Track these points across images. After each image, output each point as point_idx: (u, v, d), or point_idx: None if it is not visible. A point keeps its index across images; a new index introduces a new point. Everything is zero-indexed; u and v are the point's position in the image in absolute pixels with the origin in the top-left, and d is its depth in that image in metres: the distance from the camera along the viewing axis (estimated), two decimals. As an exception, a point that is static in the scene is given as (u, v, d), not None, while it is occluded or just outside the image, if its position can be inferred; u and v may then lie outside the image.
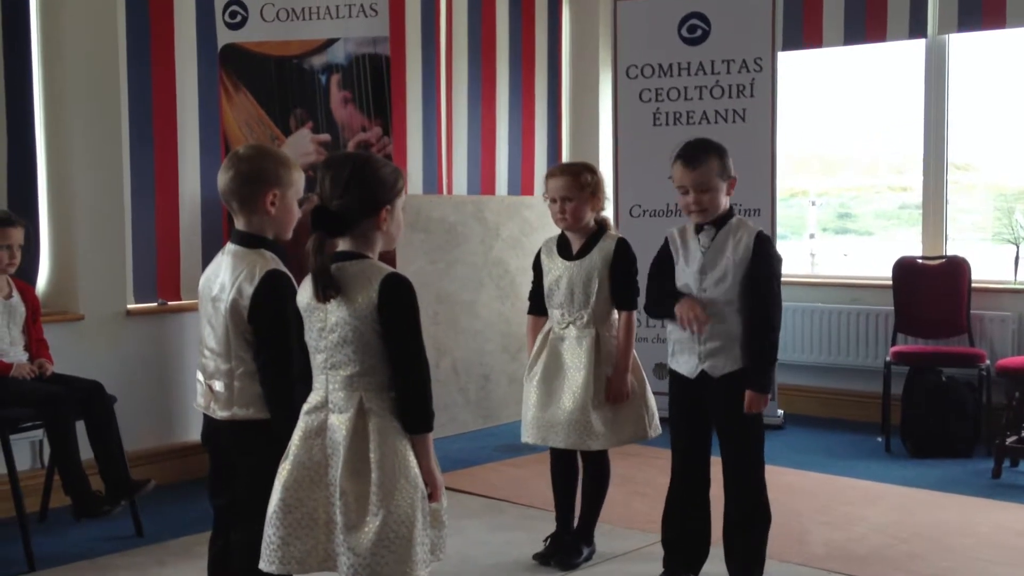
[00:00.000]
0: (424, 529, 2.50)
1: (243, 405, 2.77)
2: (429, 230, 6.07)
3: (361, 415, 2.47)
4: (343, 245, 2.55)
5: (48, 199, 4.90)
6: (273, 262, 2.76)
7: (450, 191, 6.67)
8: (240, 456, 2.84)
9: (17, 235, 4.18)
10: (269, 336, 2.71)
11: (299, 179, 2.84)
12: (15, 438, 4.10)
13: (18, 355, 4.23)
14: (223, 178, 2.80)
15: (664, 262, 3.66)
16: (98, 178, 4.90)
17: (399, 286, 2.48)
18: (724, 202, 3.51)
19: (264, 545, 2.55)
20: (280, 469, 2.56)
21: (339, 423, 2.49)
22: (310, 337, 2.57)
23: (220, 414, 2.81)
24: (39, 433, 4.45)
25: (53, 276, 4.93)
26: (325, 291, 2.47)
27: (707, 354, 3.50)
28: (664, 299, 3.63)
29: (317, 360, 2.56)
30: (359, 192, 2.51)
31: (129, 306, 5.07)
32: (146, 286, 5.19)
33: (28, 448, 4.68)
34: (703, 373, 3.52)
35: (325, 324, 2.51)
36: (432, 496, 2.53)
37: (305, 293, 2.57)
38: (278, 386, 2.71)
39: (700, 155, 3.48)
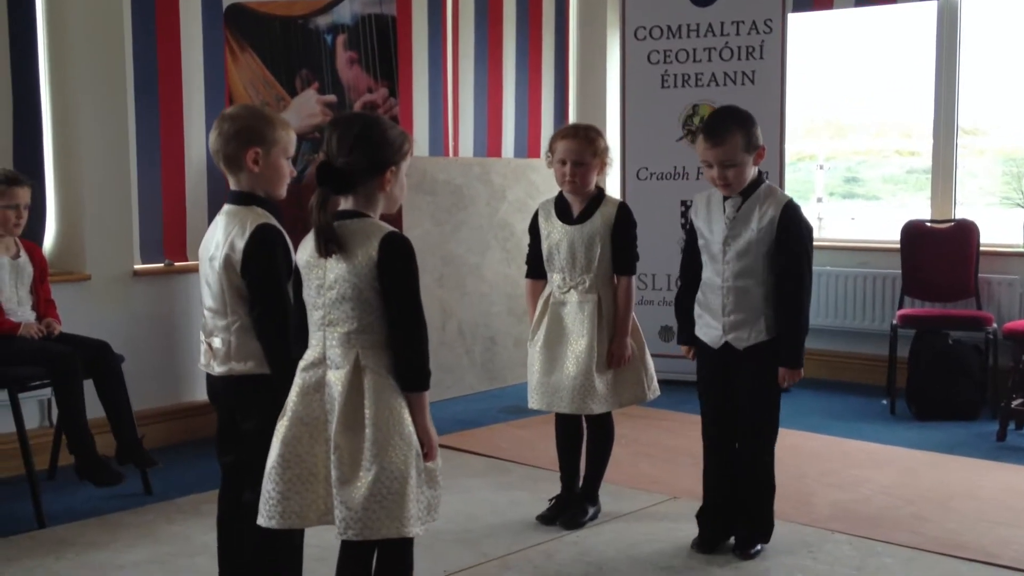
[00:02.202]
0: (419, 487, 2.51)
1: (241, 359, 2.80)
2: (435, 192, 6.05)
3: (357, 372, 2.48)
4: (345, 204, 2.55)
5: (54, 160, 4.89)
6: (264, 216, 2.79)
7: (456, 153, 6.65)
8: (243, 414, 2.86)
9: (24, 195, 4.17)
10: (262, 288, 2.75)
11: (285, 138, 2.86)
12: (24, 397, 4.12)
13: (26, 315, 4.24)
14: (211, 138, 2.87)
15: (691, 235, 3.66)
16: (104, 139, 4.89)
17: (399, 244, 2.49)
18: (751, 173, 3.47)
19: (263, 501, 2.57)
20: (278, 425, 2.58)
21: (336, 379, 2.50)
22: (308, 294, 2.57)
23: (218, 369, 2.85)
24: (47, 392, 4.47)
25: (60, 236, 4.93)
26: (327, 246, 2.48)
27: (731, 326, 3.50)
28: (682, 313, 3.67)
29: (315, 317, 2.56)
30: (365, 151, 2.51)
31: (136, 266, 5.07)
32: (152, 247, 5.19)
33: (36, 407, 4.71)
34: (727, 344, 3.51)
35: (324, 281, 2.52)
36: (427, 455, 2.54)
37: (305, 250, 2.58)
38: (275, 338, 2.74)
39: (723, 131, 3.42)
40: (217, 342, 2.84)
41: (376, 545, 2.56)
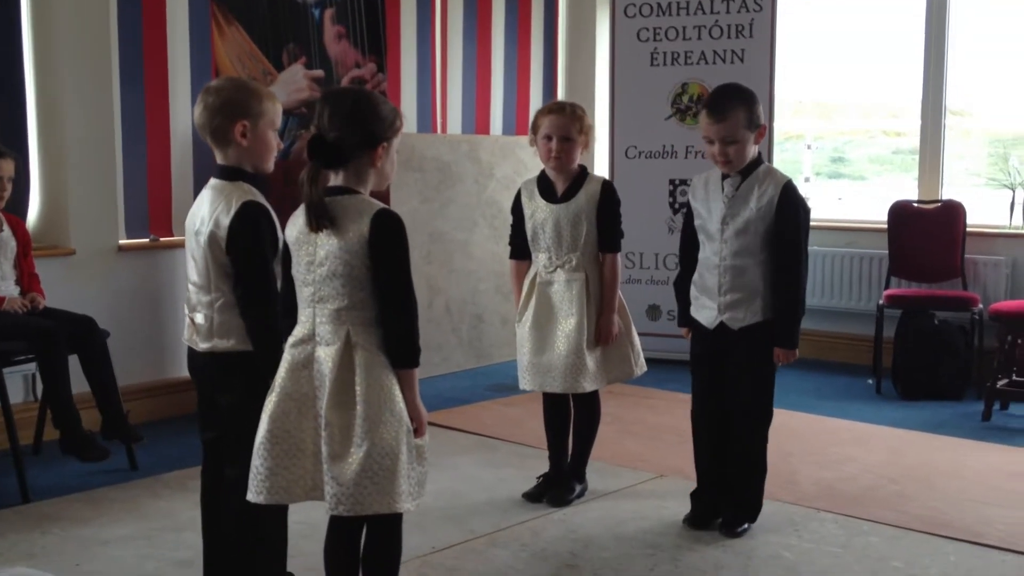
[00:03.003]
0: (410, 463, 2.51)
1: (223, 336, 2.79)
2: (423, 169, 6.03)
3: (348, 348, 2.47)
4: (335, 180, 2.53)
5: (38, 133, 4.85)
6: (250, 193, 2.76)
7: (444, 130, 6.62)
8: (223, 390, 2.85)
9: (8, 167, 4.13)
10: (247, 267, 2.73)
11: (272, 110, 2.83)
12: (8, 371, 4.10)
13: (9, 289, 4.21)
14: (196, 112, 2.82)
15: (688, 216, 3.65)
16: (88, 112, 4.84)
17: (390, 221, 2.48)
18: (752, 151, 3.47)
19: (251, 476, 2.56)
20: (267, 401, 2.57)
21: (325, 356, 2.49)
22: (298, 270, 2.56)
23: (202, 346, 2.83)
24: (31, 367, 4.44)
25: (44, 210, 4.89)
26: (318, 221, 2.46)
27: (727, 306, 3.50)
28: (682, 295, 3.67)
29: (304, 293, 2.55)
30: (357, 126, 2.49)
31: (120, 241, 5.04)
32: (137, 221, 5.15)
33: (21, 381, 4.68)
34: (722, 324, 3.51)
35: (314, 258, 2.50)
36: (417, 431, 2.54)
37: (294, 226, 2.56)
38: (259, 317, 2.72)
39: (726, 106, 3.41)
40: (200, 318, 2.83)
41: (364, 521, 2.56)
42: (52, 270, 4.57)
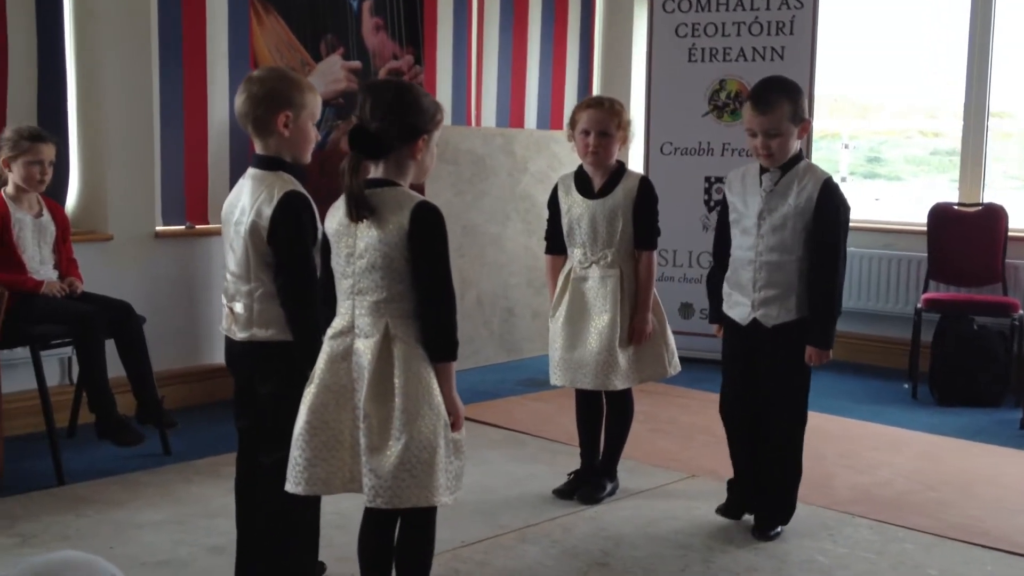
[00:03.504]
0: (447, 456, 2.50)
1: (263, 326, 2.79)
2: (457, 162, 6.02)
3: (387, 341, 2.47)
4: (375, 172, 2.53)
5: (78, 119, 4.87)
6: (291, 183, 2.77)
7: (479, 123, 6.61)
8: (261, 379, 2.85)
9: (49, 152, 4.15)
10: (288, 257, 2.73)
11: (313, 102, 2.84)
12: (45, 355, 4.13)
13: (48, 273, 4.23)
14: (238, 101, 2.83)
15: (724, 212, 3.61)
16: (128, 100, 4.86)
17: (430, 214, 2.47)
18: (794, 146, 3.42)
19: (290, 467, 2.56)
20: (305, 392, 2.57)
21: (364, 348, 2.49)
22: (337, 262, 2.55)
23: (240, 335, 2.84)
24: (68, 350, 4.47)
25: (82, 196, 4.92)
26: (358, 211, 2.46)
27: (761, 302, 3.46)
28: (714, 291, 3.64)
29: (344, 285, 2.54)
30: (399, 117, 2.49)
31: (157, 228, 5.06)
32: (174, 209, 5.17)
33: (57, 365, 4.71)
34: (755, 321, 3.48)
35: (354, 250, 2.50)
36: (454, 425, 2.53)
37: (334, 218, 2.55)
38: (299, 307, 2.73)
39: (771, 98, 3.36)
40: (239, 307, 2.83)
41: (399, 514, 2.56)
42: (90, 255, 4.60)
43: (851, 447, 4.67)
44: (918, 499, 3.99)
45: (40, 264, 4.21)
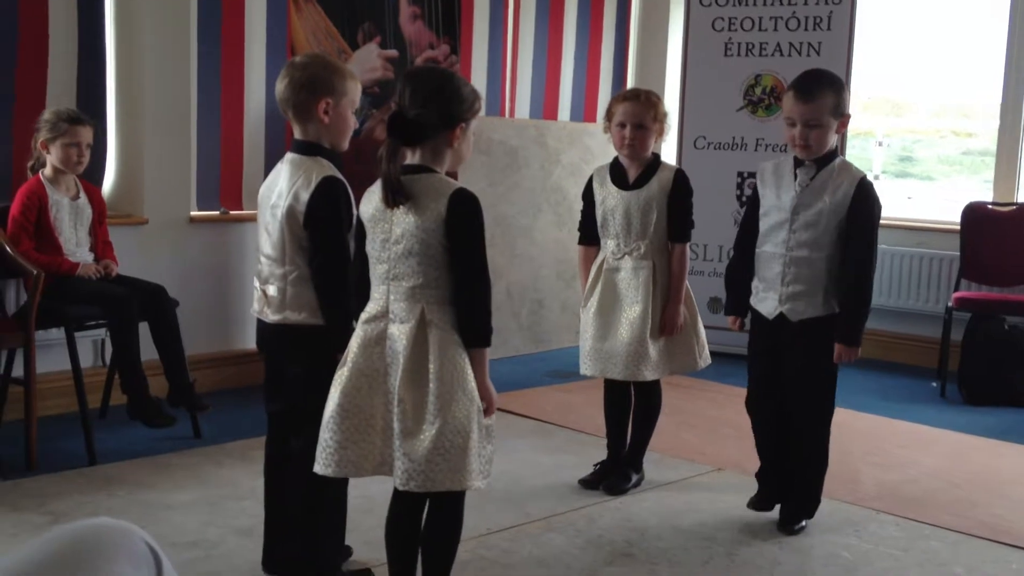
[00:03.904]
0: (480, 441, 2.52)
1: (295, 309, 2.82)
2: (490, 152, 6.03)
3: (422, 326, 2.49)
4: (412, 159, 2.55)
5: (116, 103, 4.93)
6: (330, 169, 2.80)
7: (512, 114, 6.62)
8: (292, 362, 2.89)
9: (87, 134, 4.20)
10: (324, 241, 2.76)
11: (354, 89, 2.87)
12: (79, 336, 4.18)
13: (84, 255, 4.29)
14: (279, 86, 2.85)
15: (753, 205, 3.60)
16: (166, 85, 4.91)
17: (468, 201, 2.50)
18: (832, 140, 3.39)
19: (320, 449, 2.59)
20: (338, 375, 2.60)
21: (399, 333, 2.51)
22: (372, 247, 2.58)
23: (272, 317, 2.87)
24: (101, 332, 4.53)
25: (119, 180, 4.98)
26: (394, 197, 2.48)
27: (788, 297, 3.44)
28: (732, 283, 3.63)
29: (379, 270, 2.57)
30: (438, 105, 2.51)
31: (192, 213, 5.11)
32: (209, 194, 5.22)
33: (91, 347, 4.77)
34: (781, 315, 3.47)
35: (390, 235, 2.52)
36: (486, 411, 2.55)
37: (370, 203, 2.58)
38: (333, 291, 2.77)
39: (815, 88, 3.33)
40: (272, 290, 2.86)
41: (428, 498, 2.58)
42: (125, 239, 4.65)
43: (878, 444, 4.66)
44: (945, 497, 3.97)
45: (76, 246, 4.26)
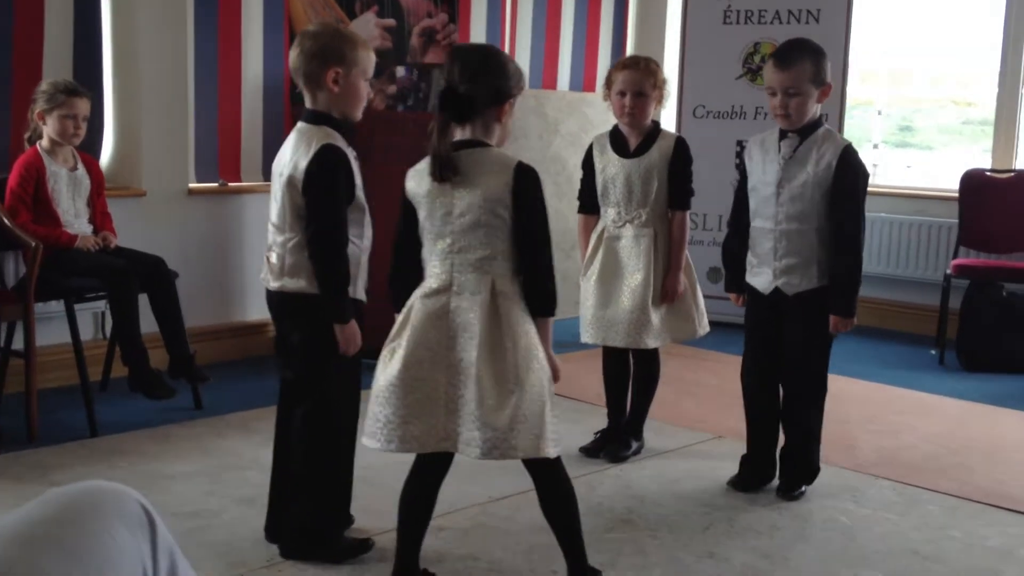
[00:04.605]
0: (552, 409, 2.57)
1: (293, 276, 2.84)
2: (489, 122, 6.00)
3: (493, 298, 2.52)
4: (462, 134, 2.58)
5: (113, 75, 4.91)
6: (330, 137, 2.80)
7: (511, 84, 6.57)
8: (291, 331, 2.92)
9: (83, 106, 4.19)
10: (318, 208, 2.77)
11: (366, 59, 2.86)
12: (79, 308, 4.19)
13: (83, 227, 4.28)
14: (291, 55, 2.87)
15: (743, 180, 3.60)
16: (163, 56, 4.89)
17: (532, 172, 2.56)
18: (813, 110, 3.37)
19: (379, 425, 2.57)
20: (388, 349, 2.59)
21: (468, 306, 2.52)
22: (431, 222, 2.57)
23: (272, 284, 2.90)
24: (101, 304, 4.54)
25: (117, 151, 4.97)
26: (443, 172, 2.51)
27: (782, 271, 3.45)
28: (730, 259, 3.63)
29: (440, 246, 2.57)
30: (488, 79, 2.55)
31: (191, 185, 5.10)
32: (207, 166, 5.21)
33: (91, 319, 4.78)
34: (777, 290, 3.47)
35: (451, 209, 2.53)
36: (554, 379, 2.61)
37: (423, 180, 2.58)
38: (325, 258, 2.78)
39: (793, 55, 3.32)
40: (274, 257, 2.89)
41: (534, 472, 2.67)
42: (123, 210, 4.64)
43: (877, 411, 4.68)
44: (942, 463, 3.99)
45: (75, 218, 4.26)
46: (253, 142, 5.29)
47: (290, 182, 2.79)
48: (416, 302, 2.59)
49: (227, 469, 3.69)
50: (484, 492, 3.50)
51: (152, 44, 4.84)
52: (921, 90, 7.11)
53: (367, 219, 2.91)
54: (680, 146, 3.78)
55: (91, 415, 4.04)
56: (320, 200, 2.77)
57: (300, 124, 2.88)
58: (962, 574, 3.03)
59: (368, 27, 5.11)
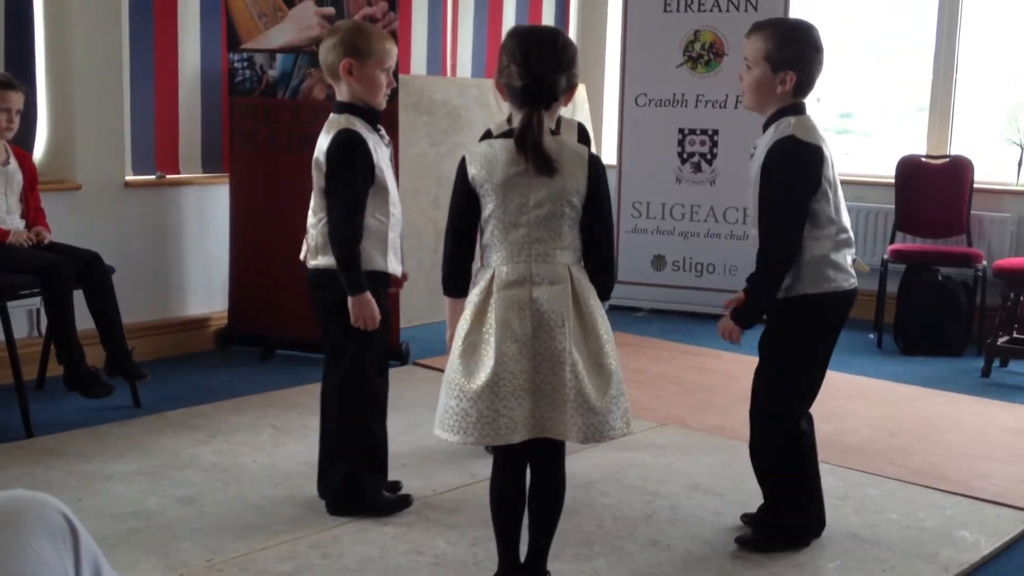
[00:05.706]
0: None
1: (323, 254, 3.09)
2: (432, 112, 5.99)
3: (573, 286, 2.53)
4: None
5: (46, 67, 4.81)
6: (349, 123, 3.04)
7: (454, 73, 6.57)
8: (316, 304, 3.18)
9: (17, 99, 4.10)
10: (335, 189, 3.02)
11: (382, 51, 3.07)
12: (12, 305, 4.10)
13: (15, 223, 4.20)
14: (320, 50, 3.14)
15: None
16: (97, 47, 4.80)
17: (601, 163, 2.59)
18: (769, 95, 2.93)
19: (474, 420, 2.49)
20: (474, 342, 2.52)
21: (550, 295, 2.50)
22: (505, 211, 2.51)
23: (310, 263, 3.16)
24: (36, 301, 4.45)
25: (51, 145, 4.87)
26: (549, 168, 2.47)
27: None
28: None
29: (515, 235, 2.51)
30: (568, 67, 2.53)
31: (127, 177, 5.02)
32: (144, 158, 5.13)
33: (25, 316, 4.69)
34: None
35: (527, 199, 2.50)
36: None
37: (495, 168, 2.50)
38: (343, 238, 3.00)
39: (761, 25, 2.95)
40: (310, 238, 3.15)
41: (550, 455, 2.67)
42: (58, 205, 4.56)
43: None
44: (881, 446, 4.06)
45: (7, 213, 4.17)
46: (191, 134, 5.22)
47: (316, 166, 3.05)
48: (496, 293, 2.51)
49: (166, 468, 3.64)
50: (428, 485, 3.50)
51: (86, 35, 4.75)
52: (861, 78, 7.19)
53: (391, 197, 3.13)
54: (582, 132, 3.64)
55: (26, 415, 3.96)
56: (336, 180, 3.00)
57: (331, 114, 3.12)
58: (901, 556, 3.08)
59: (307, 15, 5.06)
